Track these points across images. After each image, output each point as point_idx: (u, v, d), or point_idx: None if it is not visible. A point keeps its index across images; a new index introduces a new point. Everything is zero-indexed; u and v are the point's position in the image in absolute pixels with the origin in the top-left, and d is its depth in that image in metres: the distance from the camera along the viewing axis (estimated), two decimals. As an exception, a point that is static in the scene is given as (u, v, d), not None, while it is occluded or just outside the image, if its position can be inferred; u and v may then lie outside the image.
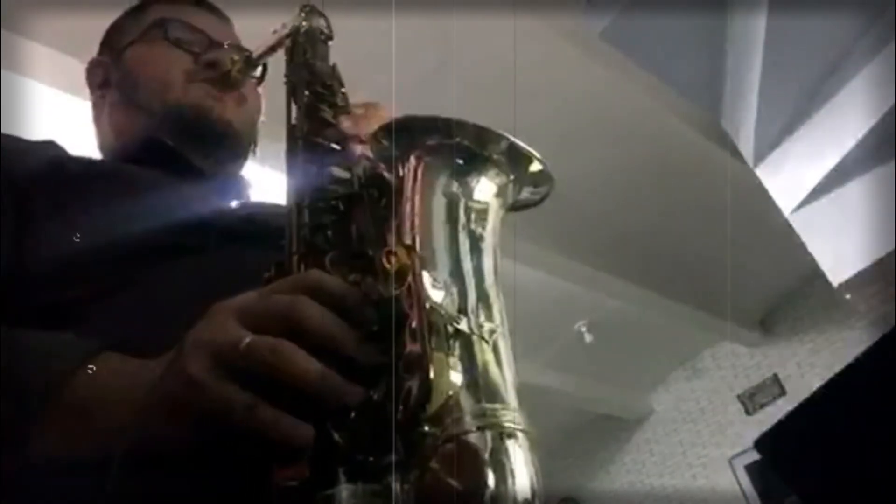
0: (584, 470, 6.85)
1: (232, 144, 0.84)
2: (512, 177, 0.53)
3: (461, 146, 0.51)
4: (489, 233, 0.51)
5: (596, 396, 6.06)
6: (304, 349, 0.41)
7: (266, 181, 0.87)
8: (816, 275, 4.25)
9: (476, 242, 0.50)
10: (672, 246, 4.50)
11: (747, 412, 5.93)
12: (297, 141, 0.64)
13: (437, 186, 0.51)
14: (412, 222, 0.49)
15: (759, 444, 1.69)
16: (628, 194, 4.07)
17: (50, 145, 0.77)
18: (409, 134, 0.52)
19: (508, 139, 0.51)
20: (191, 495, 0.46)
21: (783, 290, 5.83)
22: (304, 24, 0.76)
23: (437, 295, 0.43)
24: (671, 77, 3.60)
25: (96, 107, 0.90)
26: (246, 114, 0.86)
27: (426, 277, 0.44)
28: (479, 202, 0.51)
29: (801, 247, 3.92)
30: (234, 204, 0.79)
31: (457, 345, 0.43)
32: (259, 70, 0.87)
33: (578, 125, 3.52)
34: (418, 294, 0.43)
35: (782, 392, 5.76)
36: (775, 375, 5.86)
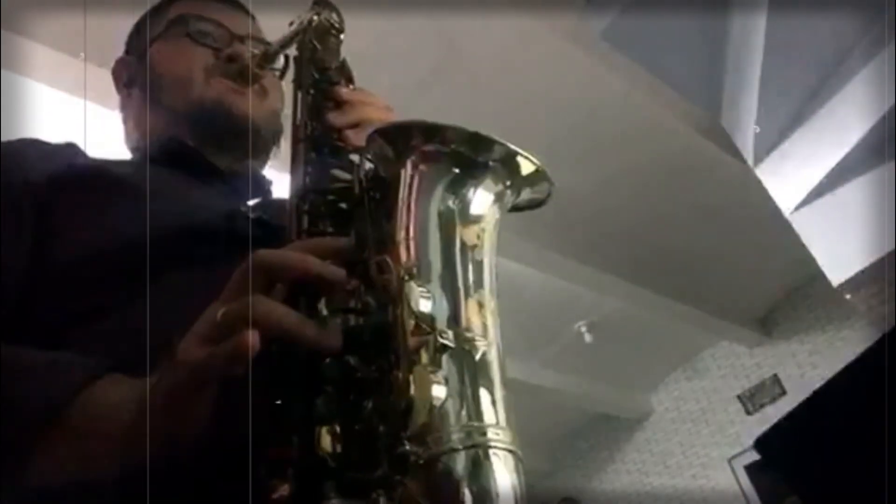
0: (584, 470, 6.85)
1: (254, 139, 0.84)
2: (508, 182, 0.52)
3: (456, 153, 0.50)
4: (485, 242, 0.50)
5: (596, 396, 6.05)
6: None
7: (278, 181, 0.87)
8: (816, 275, 4.25)
9: (472, 251, 0.48)
10: (672, 246, 4.50)
11: (747, 412, 5.93)
12: (300, 141, 0.64)
13: (433, 194, 0.50)
14: (407, 230, 0.48)
15: (759, 444, 1.69)
16: (628, 194, 4.07)
17: (70, 148, 0.77)
18: (405, 139, 0.51)
19: (504, 144, 0.50)
20: None
21: (783, 290, 5.83)
22: (315, 17, 0.77)
23: (425, 305, 0.42)
24: (671, 77, 3.60)
25: (123, 106, 0.91)
26: (267, 107, 0.86)
27: (415, 288, 0.43)
28: (474, 210, 0.50)
29: (801, 247, 3.92)
30: (250, 202, 0.79)
31: (443, 359, 0.41)
32: (281, 63, 0.87)
33: (578, 125, 3.52)
34: (400, 310, 0.42)
35: (782, 392, 5.76)
36: (775, 375, 5.86)
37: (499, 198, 0.52)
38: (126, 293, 0.60)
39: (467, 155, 0.50)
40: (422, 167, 0.50)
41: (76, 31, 2.19)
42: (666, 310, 4.95)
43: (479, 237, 0.49)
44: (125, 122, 0.90)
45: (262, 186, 0.85)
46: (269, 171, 0.89)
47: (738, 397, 6.02)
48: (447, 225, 0.49)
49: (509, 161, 0.51)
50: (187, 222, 0.67)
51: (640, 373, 6.29)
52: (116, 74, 0.92)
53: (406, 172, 0.50)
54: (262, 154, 0.88)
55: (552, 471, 6.94)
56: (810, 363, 5.64)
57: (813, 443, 1.56)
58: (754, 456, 4.76)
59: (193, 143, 0.80)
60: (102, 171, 0.72)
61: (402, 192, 0.50)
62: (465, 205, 0.50)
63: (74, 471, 0.45)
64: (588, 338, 5.29)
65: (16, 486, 0.45)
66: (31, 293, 0.60)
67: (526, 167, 0.51)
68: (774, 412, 4.97)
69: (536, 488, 6.88)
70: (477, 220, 0.50)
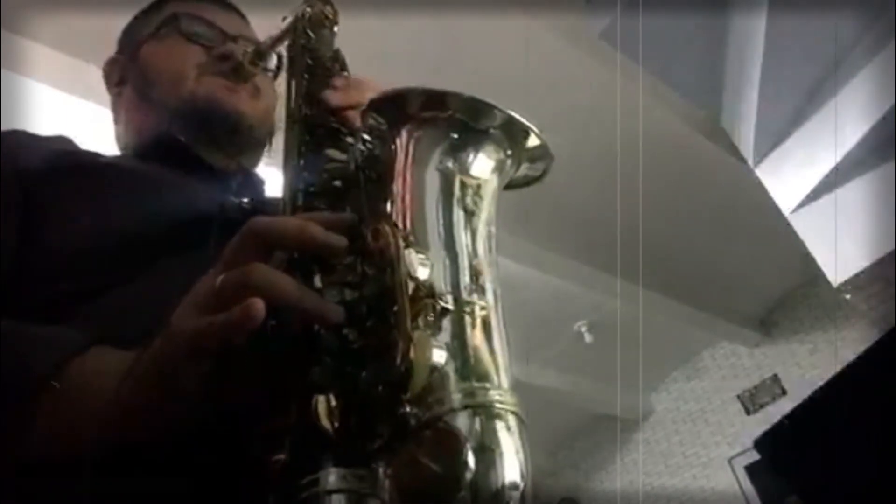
0: (584, 470, 6.85)
1: (245, 136, 0.84)
2: (509, 152, 0.50)
3: (455, 119, 0.49)
4: (484, 209, 0.49)
5: (596, 396, 6.05)
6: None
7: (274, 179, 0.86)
8: (816, 275, 4.25)
9: (470, 219, 0.48)
10: (672, 246, 4.50)
11: (747, 412, 5.93)
12: (294, 125, 0.64)
13: (431, 161, 0.48)
14: (404, 198, 0.47)
15: (759, 444, 1.70)
16: (628, 194, 4.07)
17: (61, 140, 0.77)
18: (401, 107, 0.50)
19: (504, 112, 0.49)
20: (171, 485, 0.46)
21: (783, 290, 5.83)
22: (308, 10, 0.77)
23: (423, 272, 0.41)
24: (671, 77, 3.60)
25: (114, 105, 0.91)
26: (260, 106, 0.86)
27: (413, 255, 0.42)
28: (473, 177, 0.49)
29: (801, 247, 3.92)
30: (244, 200, 0.78)
31: (443, 323, 0.41)
32: (274, 62, 0.87)
33: (578, 125, 3.52)
34: (399, 272, 0.41)
35: (782, 392, 5.76)
36: (775, 375, 5.86)
37: (499, 166, 0.50)
38: (113, 277, 0.60)
39: (466, 121, 0.49)
40: (418, 134, 0.49)
41: (76, 31, 2.19)
42: (666, 310, 4.95)
43: (477, 204, 0.49)
44: (116, 121, 0.90)
45: (255, 184, 0.84)
46: (262, 170, 0.89)
47: (738, 397, 6.03)
48: (445, 191, 0.48)
49: (509, 129, 0.50)
50: (177, 209, 0.67)
51: (640, 373, 6.29)
52: (107, 74, 0.92)
53: (402, 140, 0.49)
54: (255, 152, 0.88)
55: (552, 471, 6.94)
56: (810, 363, 5.64)
57: (813, 443, 1.56)
58: (754, 456, 4.76)
59: (185, 139, 0.80)
60: (93, 161, 0.72)
61: (400, 159, 0.49)
62: (463, 171, 0.49)
63: (62, 442, 0.45)
64: (588, 338, 5.29)
65: (3, 459, 0.45)
66: (18, 276, 0.60)
67: (526, 137, 0.50)
68: (774, 412, 4.97)
69: (536, 488, 6.87)
70: (476, 185, 0.49)
